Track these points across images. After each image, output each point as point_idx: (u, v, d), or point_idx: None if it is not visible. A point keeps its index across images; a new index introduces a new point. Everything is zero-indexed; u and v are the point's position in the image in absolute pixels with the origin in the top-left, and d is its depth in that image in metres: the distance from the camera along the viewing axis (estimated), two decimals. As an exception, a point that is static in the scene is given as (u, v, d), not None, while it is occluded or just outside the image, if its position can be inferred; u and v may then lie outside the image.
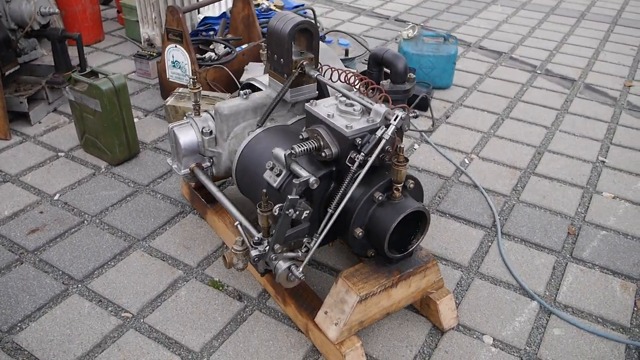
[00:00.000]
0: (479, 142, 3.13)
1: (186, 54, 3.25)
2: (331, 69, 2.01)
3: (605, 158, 3.01)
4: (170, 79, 3.38)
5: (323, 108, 1.77)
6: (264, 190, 1.64)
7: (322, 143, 1.72)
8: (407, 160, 1.65)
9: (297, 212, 1.60)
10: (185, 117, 2.24)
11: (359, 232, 1.71)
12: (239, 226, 1.83)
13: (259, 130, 2.01)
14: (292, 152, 1.68)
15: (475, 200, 2.62)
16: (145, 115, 3.29)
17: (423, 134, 3.17)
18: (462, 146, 3.08)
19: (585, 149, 3.10)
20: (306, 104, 1.80)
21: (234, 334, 1.88)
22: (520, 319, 1.99)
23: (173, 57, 3.29)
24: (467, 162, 2.94)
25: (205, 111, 2.23)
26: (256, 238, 1.73)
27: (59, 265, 2.14)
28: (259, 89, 2.23)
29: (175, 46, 3.26)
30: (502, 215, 2.52)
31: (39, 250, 2.22)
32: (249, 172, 1.95)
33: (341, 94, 1.84)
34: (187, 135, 2.16)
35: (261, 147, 1.94)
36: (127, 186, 2.63)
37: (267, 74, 2.25)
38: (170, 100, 3.15)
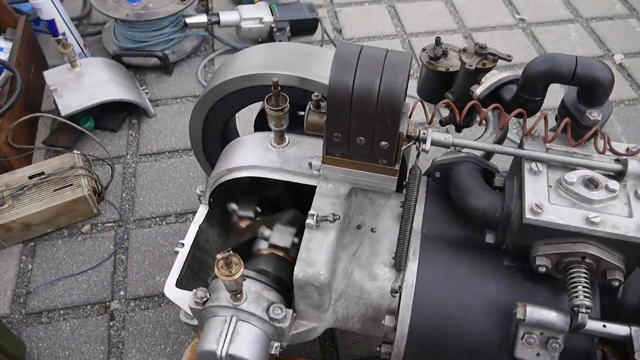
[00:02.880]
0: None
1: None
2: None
3: (520, 14, 2.73)
4: None
5: (561, 210, 1.01)
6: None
7: (598, 266, 1.03)
8: None
9: None
10: (201, 297, 1.15)
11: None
12: None
13: (412, 279, 1.11)
14: (586, 310, 0.97)
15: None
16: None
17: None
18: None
19: (495, 10, 2.75)
20: (528, 215, 1.00)
21: None
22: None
23: None
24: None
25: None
26: None
27: None
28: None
29: None
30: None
31: None
32: (454, 352, 1.12)
33: (539, 161, 1.08)
34: (250, 345, 1.13)
35: (449, 309, 1.08)
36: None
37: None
38: (-14, 219, 1.72)
